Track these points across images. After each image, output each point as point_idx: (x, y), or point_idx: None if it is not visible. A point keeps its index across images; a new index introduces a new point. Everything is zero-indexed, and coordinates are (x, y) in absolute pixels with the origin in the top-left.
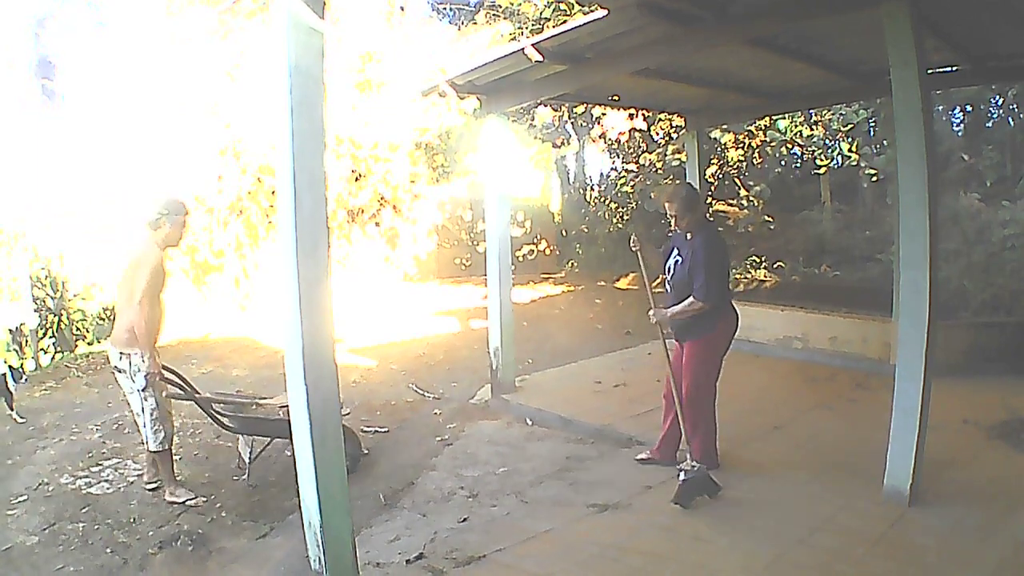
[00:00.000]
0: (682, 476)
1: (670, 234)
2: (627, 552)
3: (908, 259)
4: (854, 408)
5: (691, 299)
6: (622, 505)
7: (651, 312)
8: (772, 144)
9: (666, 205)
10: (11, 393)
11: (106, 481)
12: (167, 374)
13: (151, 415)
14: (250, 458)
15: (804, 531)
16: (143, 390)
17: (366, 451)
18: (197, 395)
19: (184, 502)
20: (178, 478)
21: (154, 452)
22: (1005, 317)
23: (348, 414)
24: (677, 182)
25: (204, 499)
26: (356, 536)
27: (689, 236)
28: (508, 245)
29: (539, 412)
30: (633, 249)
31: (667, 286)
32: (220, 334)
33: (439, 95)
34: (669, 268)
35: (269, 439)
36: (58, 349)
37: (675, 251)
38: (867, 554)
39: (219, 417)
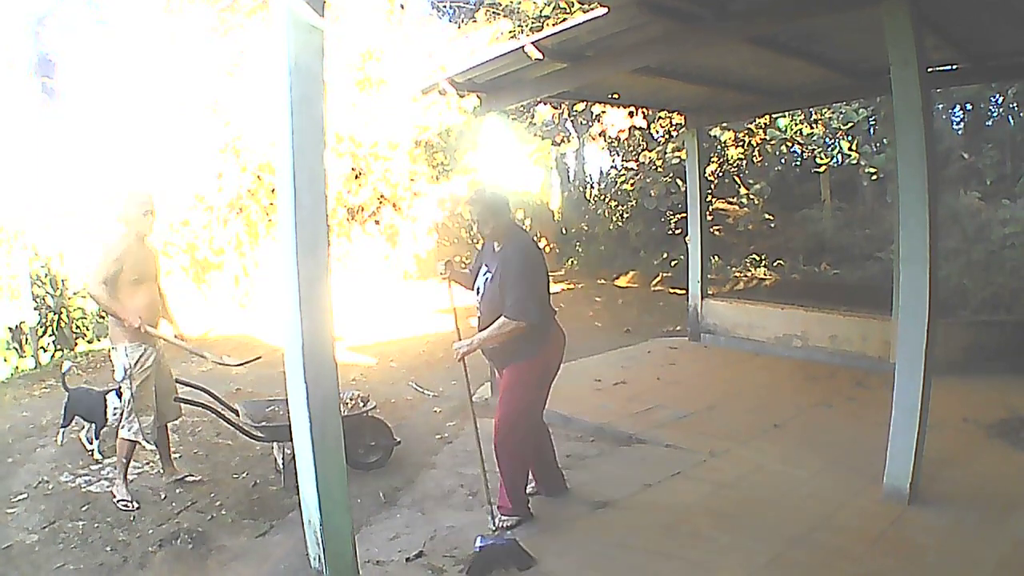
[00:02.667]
0: (479, 542)
1: (480, 248)
2: (627, 550)
3: (908, 257)
4: (854, 406)
5: (502, 319)
6: (622, 503)
7: (455, 345)
8: (772, 142)
9: (467, 211)
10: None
11: (106, 479)
12: (199, 393)
13: (127, 405)
14: (283, 463)
15: (804, 529)
16: (122, 381)
17: (398, 440)
18: (229, 415)
19: (118, 501)
20: (130, 479)
21: (124, 439)
22: (1005, 315)
23: (375, 408)
24: (480, 185)
25: (139, 506)
26: (356, 534)
27: (498, 247)
28: None
29: None
30: (443, 277)
31: (477, 308)
32: (220, 332)
33: (439, 93)
34: (478, 288)
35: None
36: (58, 347)
37: (484, 267)
38: (867, 552)
39: (253, 433)
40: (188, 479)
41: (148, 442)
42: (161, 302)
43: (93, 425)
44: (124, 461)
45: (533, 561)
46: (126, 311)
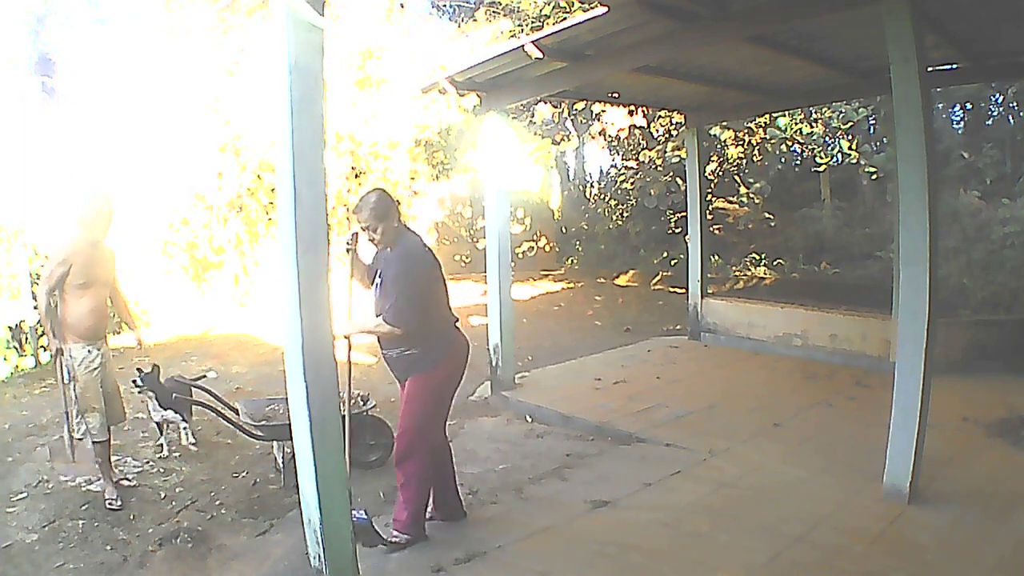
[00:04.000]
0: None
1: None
2: (627, 549)
3: (908, 256)
4: (854, 405)
5: (378, 319)
6: (622, 502)
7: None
8: (772, 141)
9: (354, 220)
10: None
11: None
12: (199, 392)
13: (75, 407)
14: (283, 462)
15: (803, 528)
16: (67, 383)
17: None
18: (229, 413)
19: (106, 500)
20: (115, 479)
21: (78, 439)
22: (1005, 315)
23: (375, 406)
24: (370, 189)
25: (121, 504)
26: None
27: (389, 251)
28: (508, 242)
29: (539, 409)
30: (348, 248)
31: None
32: (220, 331)
33: (439, 92)
34: (374, 292)
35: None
36: None
37: (378, 272)
38: (866, 552)
39: (253, 432)
40: (123, 483)
41: (96, 442)
42: (120, 307)
43: (181, 419)
44: (99, 461)
45: (383, 542)
46: (60, 327)
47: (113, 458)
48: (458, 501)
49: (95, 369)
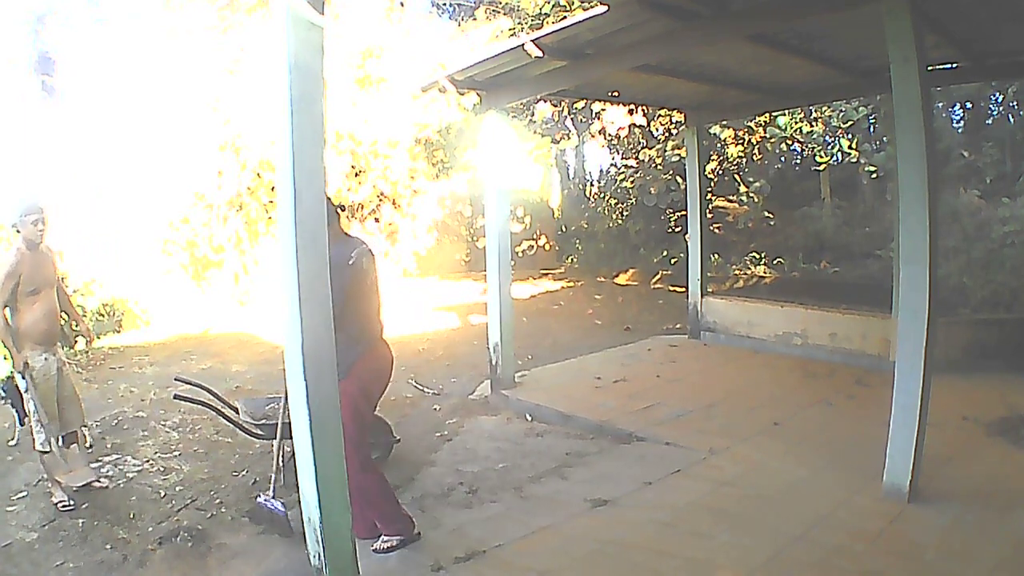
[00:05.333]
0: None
1: None
2: (627, 548)
3: (908, 255)
4: (853, 404)
5: None
6: (622, 501)
7: None
8: (772, 140)
9: None
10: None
11: (105, 477)
12: (199, 391)
13: (34, 416)
14: (282, 461)
15: (803, 527)
16: (26, 391)
17: (398, 438)
18: (229, 412)
19: (56, 503)
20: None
21: (39, 451)
22: (1005, 314)
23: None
24: None
25: (73, 505)
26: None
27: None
28: (508, 241)
29: (539, 408)
30: None
31: None
32: (219, 329)
33: (439, 91)
34: None
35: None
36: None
37: None
38: (866, 550)
39: (252, 431)
40: (96, 484)
41: (50, 449)
42: (65, 303)
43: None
44: (51, 471)
45: (292, 535)
46: (18, 338)
47: (112, 457)
48: (373, 527)
49: (52, 376)
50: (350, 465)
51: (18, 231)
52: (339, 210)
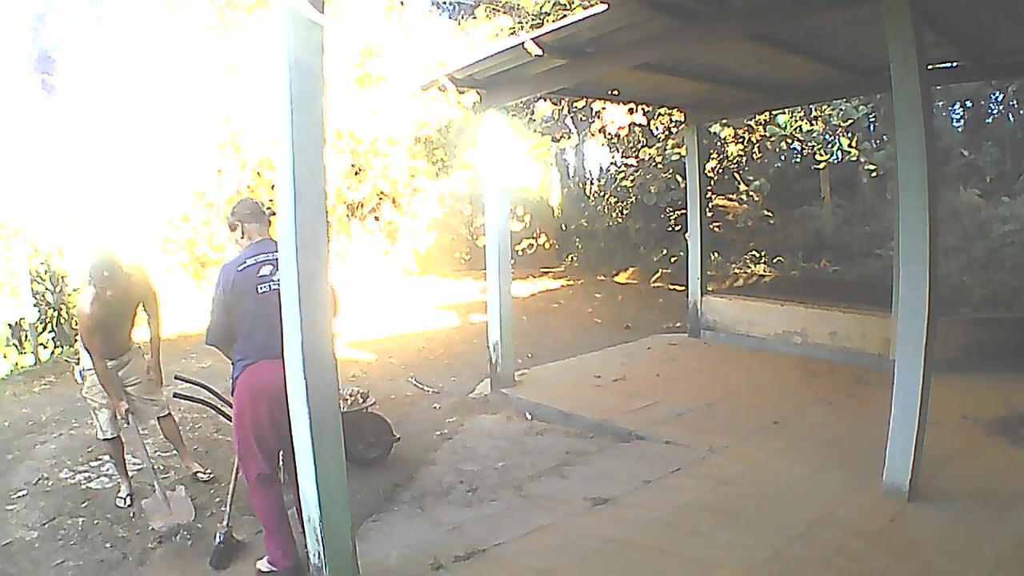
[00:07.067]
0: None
1: None
2: (626, 546)
3: (908, 254)
4: (853, 403)
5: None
6: (621, 499)
7: None
8: (772, 139)
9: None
10: None
11: (106, 476)
12: (199, 390)
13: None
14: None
15: (803, 526)
16: (128, 423)
17: (398, 437)
18: (229, 411)
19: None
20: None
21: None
22: (1004, 313)
23: (375, 404)
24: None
25: (131, 503)
26: (355, 531)
27: None
28: (508, 239)
29: (538, 406)
30: None
31: None
32: None
33: (439, 89)
34: None
35: None
36: (57, 344)
37: None
38: (866, 549)
39: None
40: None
41: (108, 436)
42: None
43: None
44: (111, 460)
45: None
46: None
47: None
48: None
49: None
50: (248, 477)
51: (92, 283)
52: (271, 216)
